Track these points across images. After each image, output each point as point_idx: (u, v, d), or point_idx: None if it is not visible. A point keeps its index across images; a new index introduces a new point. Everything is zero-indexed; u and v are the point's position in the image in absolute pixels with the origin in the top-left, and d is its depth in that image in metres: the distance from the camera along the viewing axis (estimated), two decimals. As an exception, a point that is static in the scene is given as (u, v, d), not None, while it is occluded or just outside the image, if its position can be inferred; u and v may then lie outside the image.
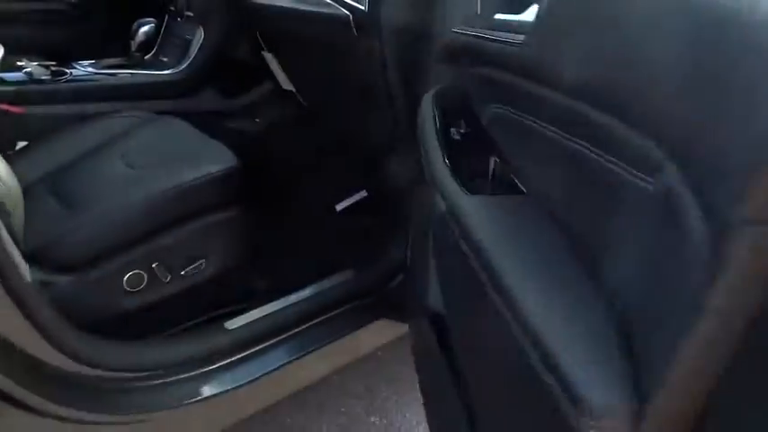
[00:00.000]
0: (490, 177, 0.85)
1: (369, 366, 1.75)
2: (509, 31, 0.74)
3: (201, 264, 1.35)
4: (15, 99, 1.55)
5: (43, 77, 1.61)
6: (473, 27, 0.89)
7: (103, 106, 1.66)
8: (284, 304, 1.43)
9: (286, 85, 1.84)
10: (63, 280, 1.19)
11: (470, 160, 0.86)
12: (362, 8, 1.30)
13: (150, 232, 1.29)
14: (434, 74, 1.22)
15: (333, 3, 1.37)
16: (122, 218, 1.27)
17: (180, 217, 1.33)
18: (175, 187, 1.32)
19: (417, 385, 1.62)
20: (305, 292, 1.47)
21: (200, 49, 1.77)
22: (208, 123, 1.83)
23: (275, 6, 1.58)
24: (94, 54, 1.81)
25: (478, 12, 0.88)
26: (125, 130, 1.57)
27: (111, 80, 1.71)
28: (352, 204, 2.00)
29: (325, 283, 1.51)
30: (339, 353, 1.53)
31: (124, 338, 1.23)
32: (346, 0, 1.34)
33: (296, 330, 1.42)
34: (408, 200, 1.47)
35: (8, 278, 0.96)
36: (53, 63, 1.68)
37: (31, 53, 1.98)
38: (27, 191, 1.40)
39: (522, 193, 0.76)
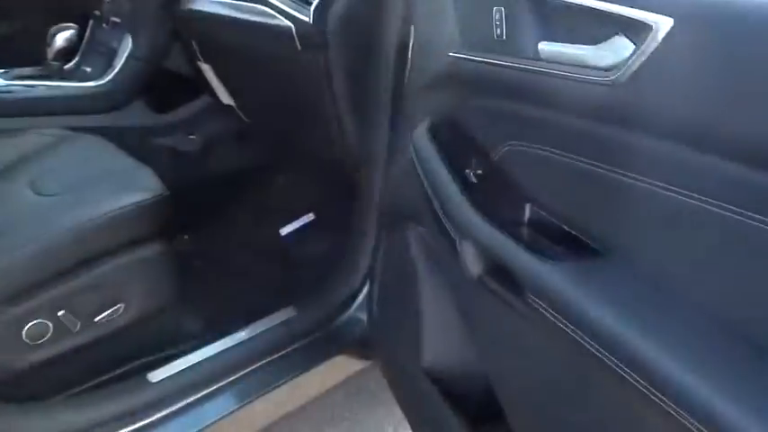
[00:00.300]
0: (526, 226, 0.73)
1: (315, 406, 1.60)
2: (584, 67, 0.60)
3: (119, 308, 1.17)
4: None
5: (-61, 89, 1.40)
6: (493, 54, 0.74)
7: (14, 122, 1.46)
8: (218, 349, 1.27)
9: (225, 98, 1.68)
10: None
11: (502, 208, 0.74)
12: (306, 20, 1.16)
13: (56, 274, 1.11)
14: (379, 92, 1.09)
15: (274, 13, 1.23)
16: (22, 257, 1.08)
17: (94, 255, 1.15)
18: (90, 220, 1.14)
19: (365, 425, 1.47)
20: (242, 334, 1.31)
21: (127, 58, 1.59)
22: (136, 141, 1.66)
23: (211, 14, 1.43)
24: (5, 63, 1.61)
25: (503, 36, 0.73)
26: (36, 151, 1.39)
27: (23, 92, 1.51)
28: (298, 228, 1.85)
29: (267, 322, 1.36)
30: (284, 400, 1.37)
31: (25, 401, 1.04)
32: (288, 10, 1.19)
33: (232, 378, 1.26)
34: (361, 224, 1.34)
35: None
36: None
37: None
38: None
39: (596, 253, 0.65)
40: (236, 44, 1.43)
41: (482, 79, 0.78)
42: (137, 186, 1.23)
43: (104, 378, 1.18)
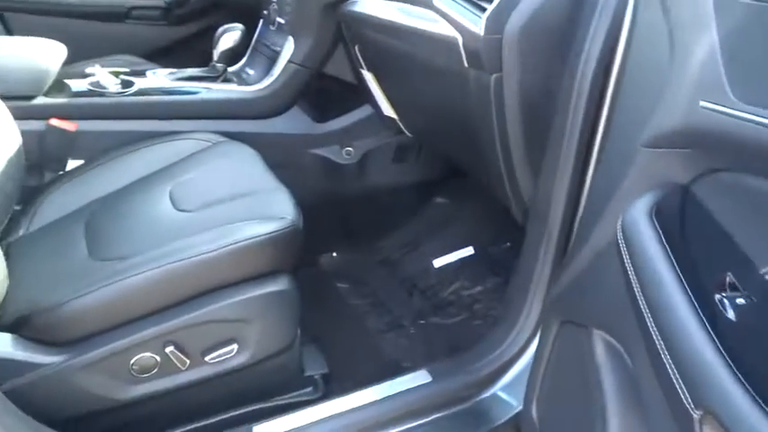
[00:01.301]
0: None
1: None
2: None
3: (233, 349, 1.05)
4: (68, 113, 1.35)
5: (109, 89, 1.40)
6: None
7: (171, 124, 1.42)
8: (337, 409, 1.08)
9: (387, 110, 1.50)
10: (54, 362, 0.95)
11: None
12: (476, 31, 0.91)
13: (172, 304, 1.01)
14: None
15: (440, 19, 1.00)
16: (140, 282, 0.99)
17: (213, 287, 1.03)
18: (216, 249, 1.02)
19: None
20: (372, 394, 1.11)
21: (288, 62, 1.47)
22: (291, 150, 1.56)
23: (376, 18, 1.24)
24: (178, 64, 1.59)
25: None
26: (186, 157, 1.33)
27: (184, 95, 1.46)
28: (454, 262, 1.62)
29: (399, 384, 1.14)
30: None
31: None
32: (456, 18, 0.96)
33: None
34: (520, 290, 1.08)
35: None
36: (125, 71, 1.47)
37: (124, 52, 1.84)
38: (61, 224, 1.20)
39: None
40: (398, 52, 1.23)
41: (763, 149, 0.48)
42: (271, 213, 1.10)
43: (205, 423, 1.06)
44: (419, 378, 1.14)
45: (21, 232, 1.20)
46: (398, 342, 1.40)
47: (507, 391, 1.10)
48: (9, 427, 0.83)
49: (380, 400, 1.11)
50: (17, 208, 1.25)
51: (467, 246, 1.63)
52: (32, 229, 1.21)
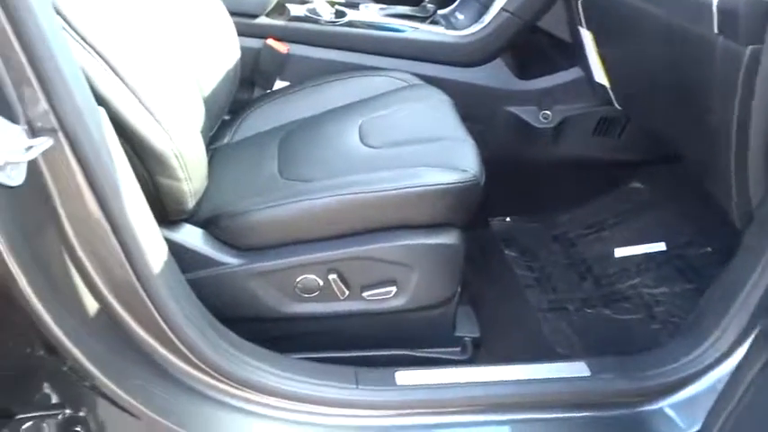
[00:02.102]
0: None
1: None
2: None
3: (391, 291, 1.04)
4: (283, 35, 1.40)
5: (323, 17, 1.43)
6: None
7: (373, 59, 1.43)
8: (485, 377, 1.03)
9: (599, 76, 1.36)
10: (232, 263, 1.01)
11: None
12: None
13: (342, 234, 1.02)
14: None
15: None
16: (319, 206, 1.02)
17: (386, 227, 1.03)
18: (395, 190, 1.01)
19: None
20: (522, 371, 1.04)
21: (502, 10, 1.39)
22: (486, 104, 1.49)
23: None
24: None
25: None
26: (381, 94, 1.33)
27: (389, 32, 1.45)
28: (639, 255, 1.46)
29: (561, 369, 1.05)
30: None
31: (272, 347, 1.00)
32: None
33: (489, 419, 1.02)
34: (734, 288, 0.92)
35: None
36: (342, 1, 1.50)
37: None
38: (260, 138, 1.27)
39: None
40: (632, 10, 1.09)
41: None
42: (455, 163, 1.05)
43: (351, 355, 1.08)
44: (576, 369, 1.05)
45: (225, 140, 1.29)
46: (558, 325, 1.31)
47: (677, 410, 0.97)
48: (190, 316, 0.90)
49: (531, 380, 1.03)
50: (226, 118, 1.36)
51: (658, 241, 1.45)
52: (236, 139, 1.30)
